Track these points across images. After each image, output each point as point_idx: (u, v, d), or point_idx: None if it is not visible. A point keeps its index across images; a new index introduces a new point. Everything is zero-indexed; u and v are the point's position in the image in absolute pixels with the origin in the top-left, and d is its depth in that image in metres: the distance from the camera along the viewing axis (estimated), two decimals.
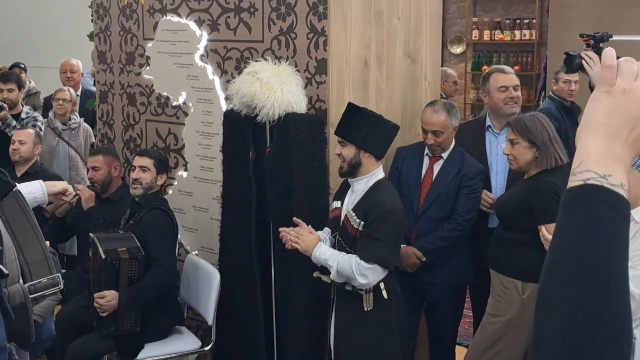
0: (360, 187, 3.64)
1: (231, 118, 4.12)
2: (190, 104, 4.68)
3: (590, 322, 0.97)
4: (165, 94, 4.82)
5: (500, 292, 3.95)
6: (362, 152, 3.58)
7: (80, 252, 5.01)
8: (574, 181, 1.05)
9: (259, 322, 4.14)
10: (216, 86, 4.51)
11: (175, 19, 4.67)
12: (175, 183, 4.82)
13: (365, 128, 3.57)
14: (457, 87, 7.71)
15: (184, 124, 4.73)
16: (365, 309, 3.54)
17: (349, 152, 3.59)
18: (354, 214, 3.57)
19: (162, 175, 4.36)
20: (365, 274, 3.46)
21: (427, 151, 4.26)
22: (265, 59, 4.05)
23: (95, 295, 3.98)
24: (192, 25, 4.59)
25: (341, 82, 4.11)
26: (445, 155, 4.23)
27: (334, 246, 3.70)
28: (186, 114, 4.71)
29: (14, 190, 1.56)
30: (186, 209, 4.75)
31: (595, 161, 1.04)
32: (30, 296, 1.48)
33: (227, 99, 4.33)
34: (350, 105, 3.72)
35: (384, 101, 4.37)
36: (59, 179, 5.41)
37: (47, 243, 1.71)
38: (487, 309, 4.07)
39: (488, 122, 4.60)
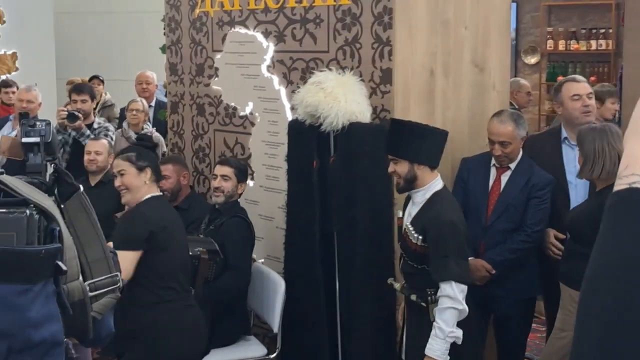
0: (418, 198, 3.62)
1: (295, 127, 4.16)
2: (257, 114, 4.74)
3: (631, 331, 0.93)
4: (232, 104, 4.89)
5: (570, 306, 3.87)
6: (416, 165, 3.56)
7: None
8: (619, 185, 1.01)
9: (323, 329, 4.15)
10: (282, 96, 4.56)
11: (243, 30, 4.75)
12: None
13: (415, 141, 3.55)
14: (530, 97, 7.60)
15: (250, 134, 4.79)
16: (431, 319, 3.51)
17: (403, 167, 3.57)
18: (411, 228, 3.56)
19: (242, 183, 4.44)
20: (455, 297, 3.41)
21: (493, 162, 4.20)
22: (330, 69, 4.08)
23: None
24: (259, 37, 4.65)
25: (406, 91, 4.10)
26: (512, 165, 4.17)
27: (400, 257, 3.69)
28: (252, 124, 4.77)
29: (78, 191, 1.62)
30: (252, 217, 4.78)
31: None
32: (90, 293, 1.53)
33: (292, 108, 4.36)
34: (394, 120, 3.72)
35: (450, 110, 4.33)
36: None
37: (110, 244, 1.77)
38: (555, 323, 4.00)
39: (564, 134, 4.49)
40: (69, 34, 11.09)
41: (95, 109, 7.18)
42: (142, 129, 6.20)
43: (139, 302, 3.73)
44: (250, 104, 4.77)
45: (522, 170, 4.15)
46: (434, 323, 3.42)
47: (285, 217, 4.31)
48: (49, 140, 1.76)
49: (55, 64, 10.78)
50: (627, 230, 0.97)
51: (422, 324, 3.53)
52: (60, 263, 1.36)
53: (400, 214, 3.73)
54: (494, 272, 4.07)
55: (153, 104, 7.32)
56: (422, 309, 3.52)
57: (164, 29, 5.37)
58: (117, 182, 3.97)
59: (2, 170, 1.49)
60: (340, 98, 3.78)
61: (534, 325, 4.58)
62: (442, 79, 4.27)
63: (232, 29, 4.82)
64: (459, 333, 3.41)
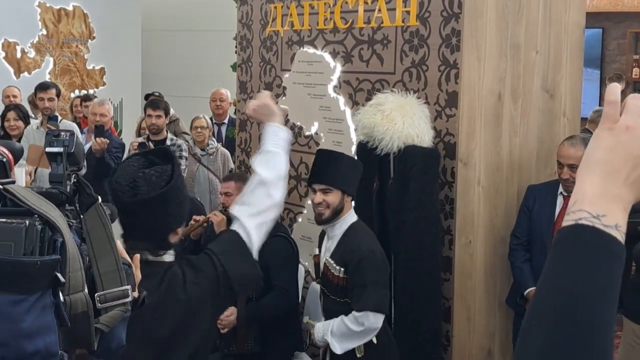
0: (335, 231, 3.65)
1: (361, 148, 4.13)
2: (322, 134, 4.73)
3: None
4: (298, 123, 4.91)
5: (631, 340, 3.73)
6: (346, 196, 3.60)
7: None
8: (566, 220, 0.99)
9: None
10: (347, 117, 4.54)
11: (311, 50, 4.76)
12: (305, 211, 4.87)
13: (347, 171, 3.62)
14: None
15: (314, 153, 4.77)
16: (358, 356, 3.54)
17: (335, 198, 3.60)
18: (332, 262, 3.59)
19: None
20: (360, 321, 3.46)
21: (560, 189, 4.09)
22: (393, 91, 4.03)
23: None
24: (327, 57, 4.66)
25: (472, 116, 4.02)
26: None
27: (320, 296, 3.78)
28: (317, 144, 4.76)
29: (96, 202, 1.63)
30: (314, 237, 4.77)
31: (590, 200, 0.97)
32: (100, 305, 1.53)
33: (355, 129, 4.34)
34: (322, 151, 3.81)
35: (517, 136, 4.23)
36: (195, 202, 5.61)
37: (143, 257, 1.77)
38: (617, 356, 3.84)
39: None
40: (154, 51, 11.40)
41: None
42: (208, 144, 6.28)
43: None
44: (316, 124, 4.77)
45: None
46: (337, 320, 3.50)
47: None
48: (72, 150, 1.78)
49: (141, 80, 11.11)
50: (568, 268, 0.94)
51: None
52: (59, 275, 1.35)
53: (317, 251, 3.75)
54: None
55: (226, 121, 7.41)
56: None
57: (236, 47, 5.44)
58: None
59: (14, 179, 1.51)
60: (396, 120, 3.74)
61: None
62: (510, 104, 4.18)
63: (301, 48, 4.84)
64: (336, 347, 3.48)
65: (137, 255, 1.90)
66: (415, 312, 3.81)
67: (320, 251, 3.71)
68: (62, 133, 1.79)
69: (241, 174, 5.08)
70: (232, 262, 2.33)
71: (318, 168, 3.68)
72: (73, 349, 1.56)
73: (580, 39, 4.50)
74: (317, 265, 3.75)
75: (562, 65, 4.39)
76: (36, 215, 1.39)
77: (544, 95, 4.34)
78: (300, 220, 4.92)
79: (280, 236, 4.31)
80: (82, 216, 1.61)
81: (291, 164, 4.94)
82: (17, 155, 1.82)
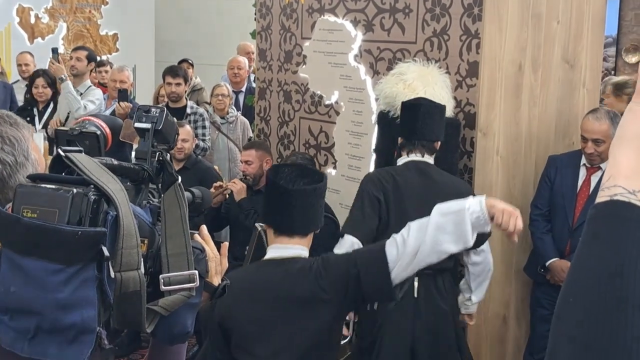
0: None
1: (383, 117, 4.14)
2: (342, 103, 4.75)
3: (600, 353, 0.89)
4: (318, 92, 4.92)
5: None
6: None
7: (232, 240, 5.19)
8: (601, 196, 0.96)
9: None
10: (367, 86, 4.55)
11: (332, 18, 4.76)
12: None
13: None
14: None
15: (334, 123, 4.81)
16: None
17: None
18: None
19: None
20: None
21: (583, 161, 4.10)
22: (415, 60, 4.04)
23: None
24: (348, 25, 4.65)
25: (492, 86, 4.03)
26: (603, 165, 4.06)
27: None
28: (337, 113, 4.78)
29: (175, 182, 1.58)
30: (333, 206, 4.81)
31: (625, 175, 0.95)
32: (164, 287, 1.45)
33: (376, 99, 4.36)
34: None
35: (537, 107, 4.24)
36: (213, 172, 5.61)
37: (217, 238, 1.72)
38: None
39: None
40: (168, 17, 11.36)
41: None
42: (228, 112, 6.30)
43: None
44: (336, 93, 4.78)
45: None
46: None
47: None
48: (159, 127, 1.71)
49: (154, 46, 11.08)
50: (604, 246, 0.91)
51: None
52: (104, 248, 1.27)
53: None
54: None
55: (244, 89, 7.41)
56: None
57: (255, 14, 5.43)
58: None
59: (81, 148, 1.46)
60: (418, 90, 3.74)
61: None
62: (531, 74, 4.18)
63: (322, 16, 4.84)
64: None
65: (226, 243, 1.85)
66: None
67: None
68: (153, 109, 1.71)
69: (261, 143, 5.11)
70: None
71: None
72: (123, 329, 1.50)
73: (602, 9, 4.49)
74: None
75: (582, 35, 4.39)
76: (92, 186, 1.32)
77: (564, 66, 4.34)
78: None
79: (327, 217, 4.32)
80: (162, 195, 1.56)
81: (311, 133, 4.96)
82: (117, 130, 1.76)
